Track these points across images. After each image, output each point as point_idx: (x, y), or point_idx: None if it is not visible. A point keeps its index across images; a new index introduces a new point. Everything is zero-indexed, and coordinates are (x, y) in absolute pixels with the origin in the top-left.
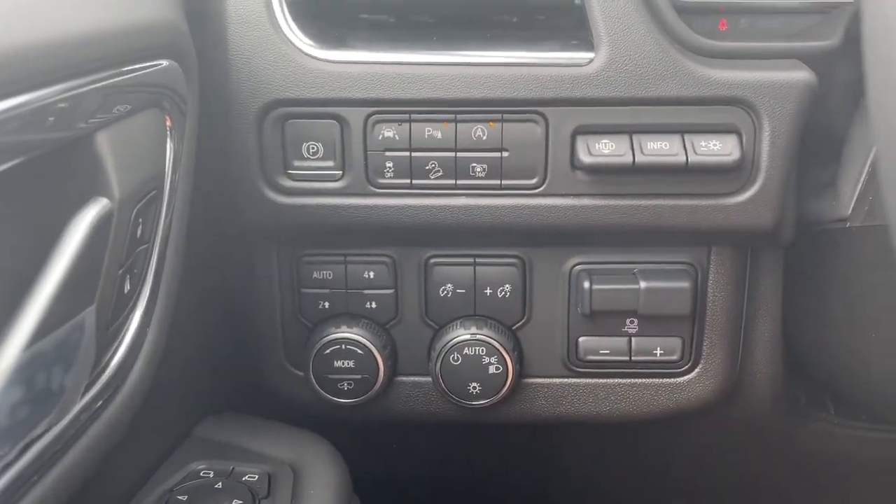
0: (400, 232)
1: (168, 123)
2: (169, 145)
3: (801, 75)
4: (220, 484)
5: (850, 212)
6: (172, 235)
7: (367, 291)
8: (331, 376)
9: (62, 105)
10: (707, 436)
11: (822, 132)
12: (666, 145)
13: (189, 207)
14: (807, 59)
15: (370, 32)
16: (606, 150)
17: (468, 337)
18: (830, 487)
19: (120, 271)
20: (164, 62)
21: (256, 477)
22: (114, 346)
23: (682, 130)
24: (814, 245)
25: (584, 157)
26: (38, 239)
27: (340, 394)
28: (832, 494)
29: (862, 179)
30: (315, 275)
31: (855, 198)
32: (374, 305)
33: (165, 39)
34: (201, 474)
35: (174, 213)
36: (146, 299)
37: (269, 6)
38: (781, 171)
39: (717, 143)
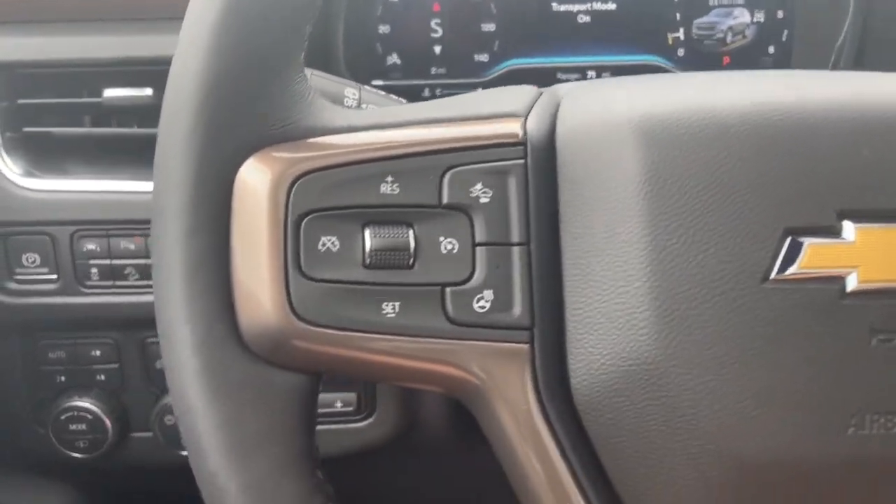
0: (114, 321)
1: None
2: None
3: None
4: None
5: None
6: None
7: (95, 366)
8: (68, 437)
9: None
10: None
11: None
12: None
13: None
14: None
15: (88, 161)
16: None
17: None
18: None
19: None
20: None
21: None
22: None
23: None
24: None
25: None
26: None
27: (79, 450)
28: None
29: None
30: (51, 355)
31: None
32: (102, 378)
33: None
34: None
35: None
36: None
37: None
38: None
39: None
